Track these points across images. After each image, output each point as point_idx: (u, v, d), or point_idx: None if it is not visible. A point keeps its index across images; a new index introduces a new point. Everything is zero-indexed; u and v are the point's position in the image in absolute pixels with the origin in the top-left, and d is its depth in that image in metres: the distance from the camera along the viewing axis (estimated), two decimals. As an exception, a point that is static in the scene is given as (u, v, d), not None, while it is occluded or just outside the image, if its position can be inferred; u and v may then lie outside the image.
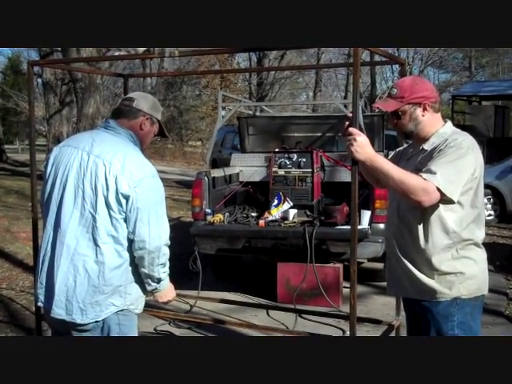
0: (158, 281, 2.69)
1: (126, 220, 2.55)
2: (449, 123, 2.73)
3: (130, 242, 2.58)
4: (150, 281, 2.68)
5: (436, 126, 2.69)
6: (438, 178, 2.47)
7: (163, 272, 2.68)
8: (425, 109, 2.66)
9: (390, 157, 3.06)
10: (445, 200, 2.52)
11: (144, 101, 2.79)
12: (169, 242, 2.67)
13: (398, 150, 3.04)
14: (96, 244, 2.54)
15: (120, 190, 2.51)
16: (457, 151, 2.53)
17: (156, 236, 2.57)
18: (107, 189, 2.52)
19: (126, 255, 2.59)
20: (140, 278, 2.68)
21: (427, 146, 2.67)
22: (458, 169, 2.51)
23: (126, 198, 2.52)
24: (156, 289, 2.73)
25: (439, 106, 2.73)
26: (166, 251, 2.65)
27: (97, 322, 2.59)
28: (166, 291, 2.80)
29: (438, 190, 2.47)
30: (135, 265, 2.63)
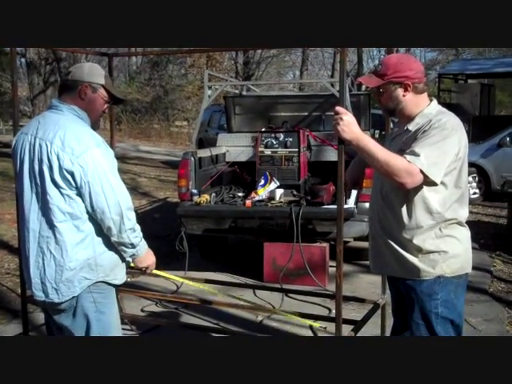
0: (132, 246, 2.69)
1: (79, 195, 2.57)
2: (434, 102, 2.72)
3: (92, 214, 2.60)
4: (124, 248, 2.69)
5: (421, 106, 2.68)
6: (421, 160, 2.47)
7: (134, 237, 2.68)
8: (406, 89, 2.64)
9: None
10: (428, 182, 2.53)
11: (79, 70, 2.75)
12: (131, 205, 2.66)
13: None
14: (53, 224, 2.58)
15: (64, 167, 2.52)
16: (441, 132, 2.53)
17: (115, 203, 2.57)
18: (51, 168, 2.54)
19: (88, 228, 2.61)
20: (113, 247, 2.69)
21: (412, 127, 2.66)
22: (441, 150, 2.51)
23: (71, 173, 2.53)
24: (134, 254, 2.74)
25: (423, 86, 2.70)
26: (131, 216, 2.64)
27: (74, 297, 2.62)
28: (145, 256, 2.81)
29: (422, 172, 2.48)
30: (104, 235, 2.64)
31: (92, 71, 2.74)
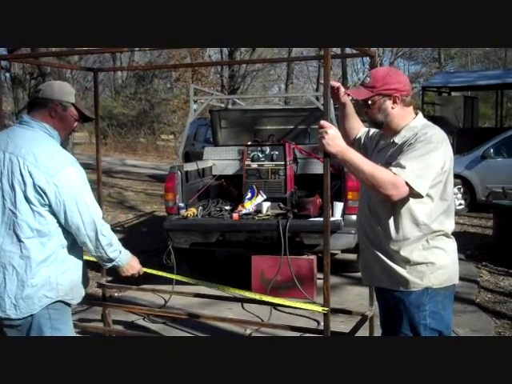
0: (110, 260, 2.73)
1: (51, 212, 2.57)
2: (420, 116, 2.75)
3: (61, 232, 2.61)
4: (103, 262, 2.76)
5: (407, 119, 2.71)
6: (407, 173, 2.50)
7: (112, 251, 2.71)
8: (394, 101, 2.67)
9: (359, 134, 3.05)
10: (413, 194, 2.55)
11: (49, 88, 2.76)
12: (103, 222, 2.69)
13: (368, 129, 3.03)
14: (19, 239, 2.56)
15: (37, 184, 2.53)
16: (426, 145, 2.56)
17: (90, 221, 2.60)
18: (24, 184, 2.54)
19: (53, 246, 2.61)
20: (74, 267, 2.70)
21: (398, 140, 2.69)
22: (427, 163, 2.54)
23: (44, 192, 2.53)
24: (115, 265, 2.78)
25: (410, 99, 2.75)
26: (105, 231, 2.67)
27: (32, 315, 2.60)
28: (129, 265, 2.85)
29: (407, 184, 2.50)
30: (67, 253, 2.65)
31: (63, 90, 2.76)
